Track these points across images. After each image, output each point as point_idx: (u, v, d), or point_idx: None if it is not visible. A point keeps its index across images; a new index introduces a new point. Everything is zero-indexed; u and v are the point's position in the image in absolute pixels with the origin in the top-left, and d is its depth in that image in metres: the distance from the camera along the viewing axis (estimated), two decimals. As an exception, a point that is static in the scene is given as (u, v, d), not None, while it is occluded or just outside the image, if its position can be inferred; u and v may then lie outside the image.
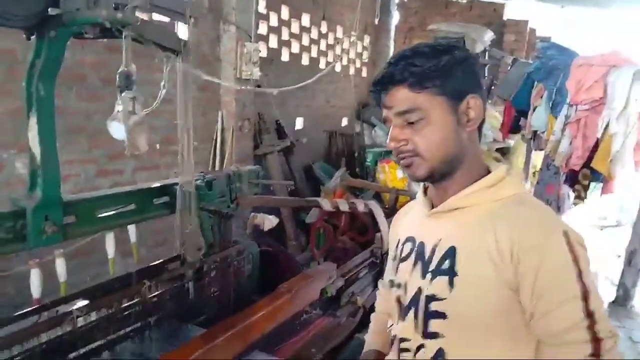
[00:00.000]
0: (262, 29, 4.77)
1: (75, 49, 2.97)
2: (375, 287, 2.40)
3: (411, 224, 1.08)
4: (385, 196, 3.78)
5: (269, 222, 1.74)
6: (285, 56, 5.26)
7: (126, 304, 1.46)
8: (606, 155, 3.20)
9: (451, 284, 0.90)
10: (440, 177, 0.96)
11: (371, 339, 1.23)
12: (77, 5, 1.14)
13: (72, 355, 1.32)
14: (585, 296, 0.82)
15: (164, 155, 3.71)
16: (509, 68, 4.43)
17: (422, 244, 1.00)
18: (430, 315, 0.94)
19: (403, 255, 1.04)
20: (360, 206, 2.52)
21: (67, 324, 1.25)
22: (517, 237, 0.85)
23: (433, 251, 0.96)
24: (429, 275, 0.95)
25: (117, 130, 1.26)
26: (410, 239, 1.04)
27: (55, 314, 1.35)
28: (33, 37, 1.22)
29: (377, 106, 0.97)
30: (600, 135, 3.23)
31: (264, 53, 4.64)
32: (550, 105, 3.70)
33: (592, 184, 3.56)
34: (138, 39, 1.24)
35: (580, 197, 3.63)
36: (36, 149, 1.26)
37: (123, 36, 1.16)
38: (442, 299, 0.92)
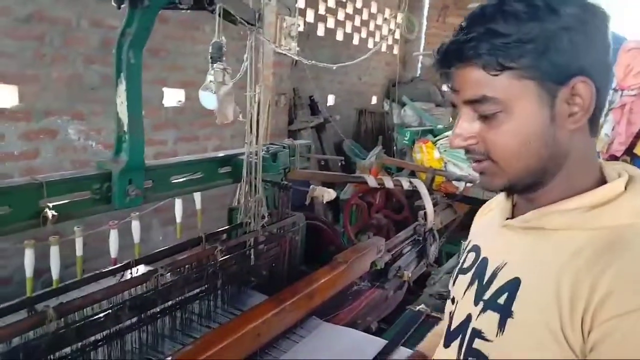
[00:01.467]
0: (300, 2, 4.76)
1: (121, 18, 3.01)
2: (419, 263, 2.46)
3: (483, 229, 0.87)
4: (421, 176, 3.80)
5: (328, 194, 1.80)
6: (320, 31, 5.26)
7: (197, 267, 1.53)
8: (650, 141, 3.18)
9: (502, 326, 0.68)
10: (525, 189, 0.72)
11: (428, 338, 1.13)
12: (174, -25, 1.18)
13: (150, 311, 1.39)
14: None
15: (204, 127, 3.77)
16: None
17: (484, 261, 0.79)
18: (472, 353, 0.73)
19: (464, 266, 0.85)
20: (405, 184, 2.55)
21: (151, 282, 1.32)
22: (601, 295, 0.59)
23: (494, 275, 0.74)
24: (481, 305, 0.74)
25: (208, 100, 1.30)
26: (475, 249, 0.84)
27: (135, 272, 1.42)
28: (123, 5, 1.27)
29: (446, 84, 0.72)
30: (646, 121, 3.21)
31: (300, 27, 4.64)
32: (593, 89, 3.67)
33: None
34: (224, 11, 1.27)
35: (618, 183, 3.61)
36: (124, 114, 1.32)
37: (216, 7, 1.19)
38: (488, 340, 0.70)
